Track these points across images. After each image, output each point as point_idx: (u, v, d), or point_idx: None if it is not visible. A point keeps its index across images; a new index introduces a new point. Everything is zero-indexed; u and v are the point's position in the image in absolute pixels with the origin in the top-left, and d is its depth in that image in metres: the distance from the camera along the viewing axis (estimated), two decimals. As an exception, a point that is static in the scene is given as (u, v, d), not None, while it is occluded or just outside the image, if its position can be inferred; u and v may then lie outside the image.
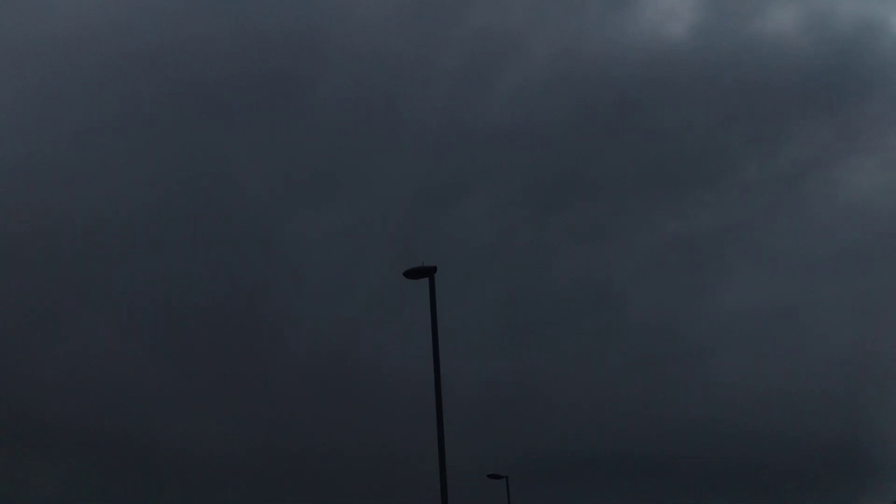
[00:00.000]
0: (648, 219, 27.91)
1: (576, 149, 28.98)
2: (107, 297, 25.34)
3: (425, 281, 13.34)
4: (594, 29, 30.59)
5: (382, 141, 29.06)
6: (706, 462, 21.09)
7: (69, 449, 22.72)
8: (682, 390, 22.96)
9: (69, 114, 25.17)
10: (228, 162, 27.34)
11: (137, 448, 22.54)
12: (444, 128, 29.02)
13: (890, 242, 23.60)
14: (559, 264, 27.45)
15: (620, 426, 21.43)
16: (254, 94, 28.04)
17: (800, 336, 24.03)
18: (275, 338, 25.23)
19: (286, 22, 28.30)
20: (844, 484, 21.22)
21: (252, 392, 23.42)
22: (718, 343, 24.42)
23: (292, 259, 26.33)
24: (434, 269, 13.32)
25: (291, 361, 24.45)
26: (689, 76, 28.75)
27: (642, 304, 25.45)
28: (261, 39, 27.75)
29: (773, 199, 27.44)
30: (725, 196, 27.67)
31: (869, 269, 23.99)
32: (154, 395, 23.13)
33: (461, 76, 29.64)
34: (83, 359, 23.91)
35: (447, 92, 29.38)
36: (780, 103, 27.96)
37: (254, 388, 23.58)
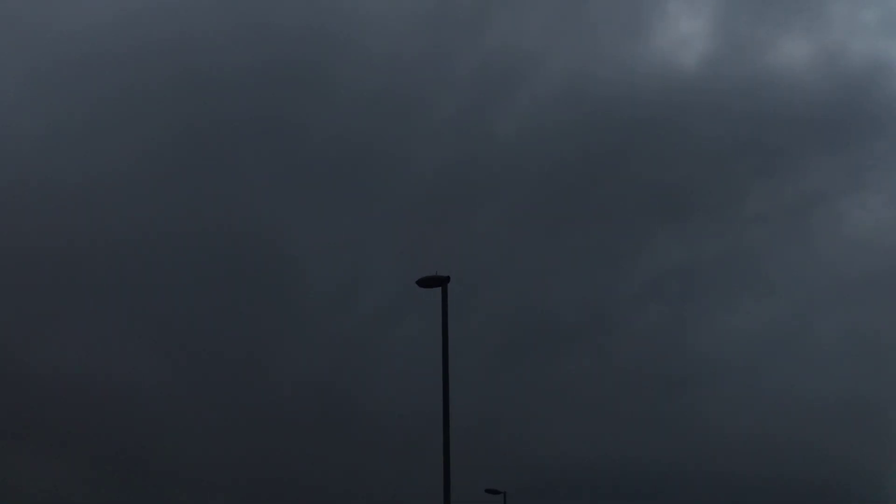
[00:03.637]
0: (652, 244, 28.03)
1: (584, 169, 29.12)
2: (107, 303, 25.39)
3: (432, 291, 13.42)
4: (607, 53, 30.77)
5: (392, 149, 29.10)
6: (701, 485, 21.18)
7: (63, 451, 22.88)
8: (679, 415, 23.08)
9: (100, 142, 25.41)
10: (236, 171, 27.42)
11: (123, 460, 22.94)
12: (455, 140, 29.23)
13: (894, 279, 23.85)
14: (561, 284, 27.55)
15: (618, 446, 21.55)
16: (264, 100, 28.07)
17: (800, 367, 24.20)
18: (275, 351, 25.28)
19: (304, 20, 28.32)
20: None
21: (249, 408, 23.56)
22: (717, 370, 24.60)
23: (296, 264, 26.35)
24: (447, 279, 13.39)
25: (291, 376, 24.54)
26: (699, 105, 28.96)
27: (643, 327, 25.61)
28: (277, 36, 27.79)
29: (778, 231, 27.63)
30: (730, 225, 27.86)
31: (872, 305, 24.22)
32: (153, 403, 23.34)
33: (474, 91, 29.79)
34: (81, 359, 24.05)
35: (459, 105, 29.54)
36: (788, 136, 28.17)
37: (252, 403, 23.71)
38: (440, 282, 13.33)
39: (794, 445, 22.55)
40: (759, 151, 28.69)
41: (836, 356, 24.19)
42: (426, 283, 13.43)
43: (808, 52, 29.73)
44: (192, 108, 26.44)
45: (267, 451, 23.45)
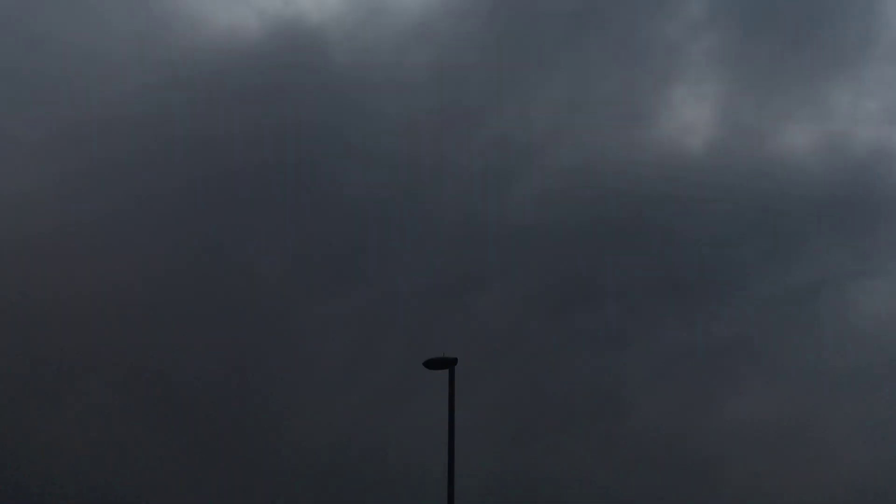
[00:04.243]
0: (660, 327, 28.01)
1: (590, 253, 29.30)
2: (110, 365, 25.40)
3: (437, 373, 13.47)
4: (613, 139, 31.26)
5: (401, 233, 29.45)
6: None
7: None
8: (686, 499, 22.77)
9: (95, 195, 25.77)
10: (245, 245, 27.75)
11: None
12: (462, 225, 29.53)
13: (901, 366, 23.79)
14: (568, 366, 27.47)
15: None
16: (276, 183, 28.54)
17: (809, 453, 23.94)
18: (278, 423, 25.16)
19: (312, 117, 29.11)
20: None
21: (250, 474, 23.33)
22: (726, 455, 24.31)
23: (304, 343, 26.48)
24: (455, 361, 13.49)
25: (293, 445, 24.37)
26: (706, 189, 29.28)
27: (651, 411, 25.43)
28: (287, 133, 28.56)
29: (786, 316, 27.60)
30: (738, 309, 27.86)
31: (881, 392, 24.09)
32: (150, 467, 23.10)
33: (481, 177, 30.18)
34: (81, 426, 23.95)
35: (466, 191, 29.96)
36: (794, 222, 28.44)
37: (252, 470, 23.50)
38: (447, 363, 13.41)
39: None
40: (766, 235, 28.97)
41: (845, 445, 23.98)
42: (433, 364, 13.51)
43: (812, 139, 30.20)
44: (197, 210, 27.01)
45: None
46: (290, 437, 24.38)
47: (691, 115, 31.16)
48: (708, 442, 24.97)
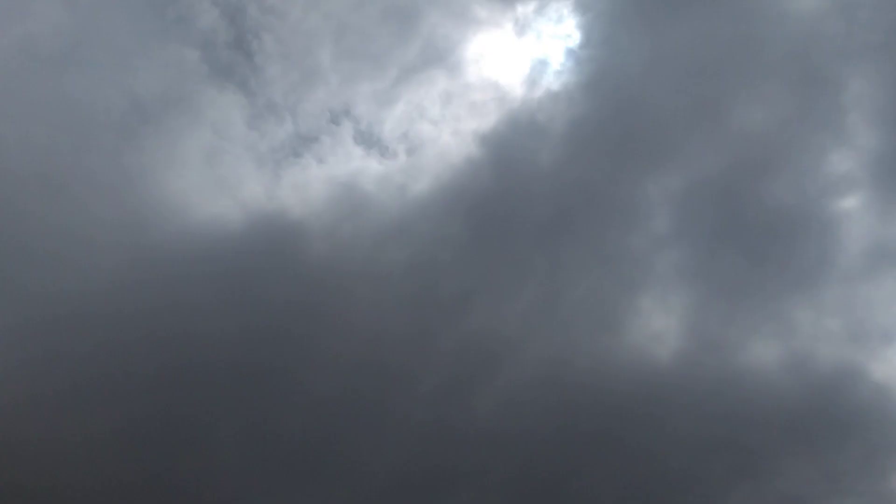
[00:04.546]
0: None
1: (560, 460, 28.91)
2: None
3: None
4: (583, 344, 31.54)
5: (367, 432, 28.89)
6: None
7: None
8: None
9: (61, 368, 25.19)
10: (206, 445, 27.00)
11: None
12: (430, 426, 29.06)
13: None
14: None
15: None
16: (243, 381, 28.14)
17: None
18: None
19: (283, 309, 29.11)
20: None
21: None
22: None
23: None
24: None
25: None
26: (674, 401, 29.42)
27: None
28: (255, 324, 28.44)
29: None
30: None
31: None
32: None
33: (450, 376, 30.07)
34: None
35: (436, 390, 29.71)
36: (763, 438, 28.44)
37: None
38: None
39: None
40: (736, 452, 28.78)
41: None
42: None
43: (777, 354, 30.69)
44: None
45: None
46: None
47: (659, 324, 31.71)
48: None
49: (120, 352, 25.63)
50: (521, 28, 33.22)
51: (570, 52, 33.07)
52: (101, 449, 24.41)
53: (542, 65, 33.10)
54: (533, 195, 31.78)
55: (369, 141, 32.22)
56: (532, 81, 32.87)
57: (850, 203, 31.31)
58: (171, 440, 25.81)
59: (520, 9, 33.12)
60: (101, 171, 28.27)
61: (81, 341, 25.39)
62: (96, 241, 26.78)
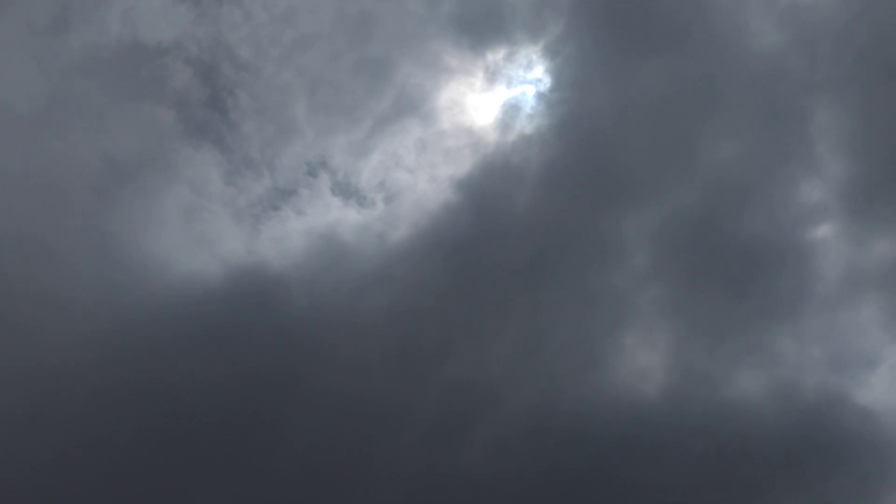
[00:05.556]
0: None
1: (551, 502, 28.65)
2: None
3: None
4: (568, 385, 31.48)
5: (353, 482, 28.59)
6: None
7: None
8: None
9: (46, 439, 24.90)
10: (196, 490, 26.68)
11: None
12: (417, 476, 28.79)
13: None
14: None
15: None
16: (228, 431, 27.96)
17: None
18: None
19: (268, 362, 29.02)
20: None
21: None
22: None
23: None
24: None
25: None
26: (663, 436, 29.32)
27: None
28: (241, 380, 28.31)
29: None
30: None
31: None
32: None
33: (436, 426, 29.85)
34: None
35: (422, 440, 29.48)
36: (754, 469, 28.35)
37: None
38: None
39: None
40: (725, 487, 28.61)
41: None
42: None
43: (762, 385, 30.74)
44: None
45: None
46: None
47: (644, 361, 31.74)
48: None
49: (103, 411, 25.35)
50: (493, 75, 33.78)
51: (541, 96, 33.54)
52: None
53: (514, 109, 33.54)
54: (511, 238, 31.98)
55: (347, 191, 32.46)
56: (505, 126, 33.33)
57: (824, 231, 31.74)
58: (160, 495, 25.39)
59: (490, 56, 33.73)
60: (78, 233, 28.24)
61: (64, 395, 25.14)
62: (76, 304, 26.63)
